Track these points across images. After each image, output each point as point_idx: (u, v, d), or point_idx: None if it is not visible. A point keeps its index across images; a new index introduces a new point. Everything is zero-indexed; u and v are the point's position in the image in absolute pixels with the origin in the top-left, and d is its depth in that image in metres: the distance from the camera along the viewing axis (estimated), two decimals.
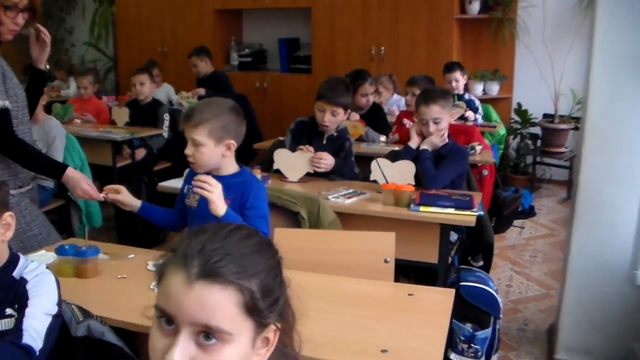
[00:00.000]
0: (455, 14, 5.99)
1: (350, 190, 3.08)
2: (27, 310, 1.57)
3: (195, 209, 2.43)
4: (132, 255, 2.30)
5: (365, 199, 2.99)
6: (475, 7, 6.04)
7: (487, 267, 3.65)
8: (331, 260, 2.28)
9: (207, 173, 2.40)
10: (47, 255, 2.23)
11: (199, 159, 2.30)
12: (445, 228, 2.78)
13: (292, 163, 3.34)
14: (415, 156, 3.20)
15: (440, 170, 3.16)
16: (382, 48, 6.28)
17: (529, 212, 5.35)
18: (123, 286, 2.04)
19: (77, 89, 5.59)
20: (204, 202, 2.39)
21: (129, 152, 4.82)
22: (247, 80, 7.04)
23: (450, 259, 3.11)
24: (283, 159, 3.37)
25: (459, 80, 5.17)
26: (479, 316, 2.80)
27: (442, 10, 5.97)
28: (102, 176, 4.90)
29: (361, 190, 3.08)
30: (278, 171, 3.41)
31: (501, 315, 2.88)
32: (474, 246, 3.69)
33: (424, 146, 3.22)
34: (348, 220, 2.85)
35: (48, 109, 5.49)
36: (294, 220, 2.76)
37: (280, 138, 3.90)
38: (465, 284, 2.82)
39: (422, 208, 2.77)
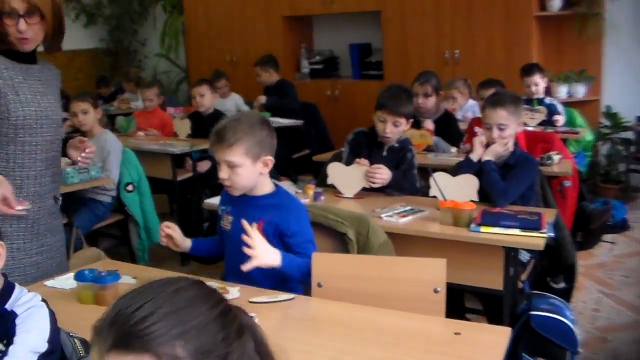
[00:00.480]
0: (534, 11, 5.57)
1: (407, 208, 2.81)
2: (11, 348, 1.44)
3: (229, 232, 2.25)
4: None
5: (422, 218, 2.71)
6: (556, 3, 5.59)
7: (568, 290, 3.27)
8: (373, 289, 2.03)
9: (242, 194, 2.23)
10: (70, 280, 2.10)
11: (236, 182, 2.12)
12: (510, 251, 2.46)
13: (347, 177, 3.11)
14: (478, 169, 2.89)
15: (509, 183, 2.84)
16: (457, 51, 5.94)
17: (622, 226, 4.84)
18: None
19: (142, 101, 5.57)
20: (236, 223, 2.21)
21: (191, 164, 4.74)
22: (318, 88, 6.87)
23: (520, 284, 2.78)
24: (337, 173, 3.14)
25: (538, 83, 4.78)
26: (553, 350, 2.47)
27: (520, 8, 5.57)
28: (163, 189, 4.86)
29: (419, 208, 2.80)
30: (334, 186, 3.19)
31: (580, 350, 2.53)
32: (554, 265, 3.32)
33: (486, 157, 2.91)
34: (402, 241, 2.58)
35: (112, 122, 5.53)
36: (340, 241, 2.52)
37: (343, 149, 3.68)
38: (537, 314, 2.49)
39: (482, 229, 2.46)
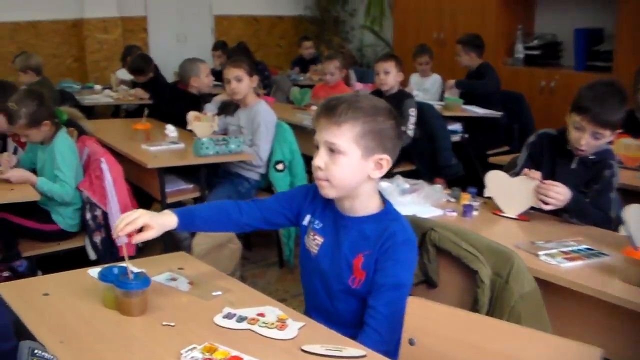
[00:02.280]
0: None
1: (582, 247, 2.04)
2: None
3: (316, 257, 1.72)
4: (219, 293, 1.69)
5: (599, 267, 1.91)
6: None
7: None
8: None
9: (332, 204, 1.69)
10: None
11: (334, 174, 1.58)
12: None
13: (511, 191, 2.39)
14: None
15: None
16: None
17: None
18: (156, 340, 1.44)
19: (323, 74, 5.18)
20: (327, 248, 1.70)
21: None
22: (532, 77, 5.97)
23: None
24: (499, 184, 2.44)
25: None
26: None
27: None
28: None
29: (599, 250, 2.01)
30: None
31: None
32: None
33: None
34: (559, 293, 1.85)
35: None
36: (471, 281, 1.86)
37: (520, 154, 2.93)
38: None
39: None
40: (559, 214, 2.36)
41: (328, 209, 1.70)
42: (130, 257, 1.56)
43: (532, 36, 6.27)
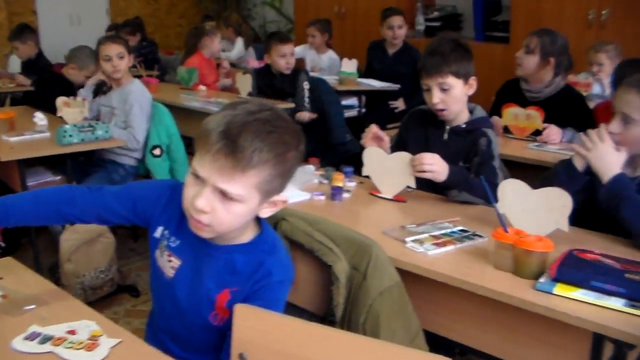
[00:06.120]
0: None
1: (456, 229, 1.83)
2: None
3: (171, 281, 1.40)
4: (32, 307, 1.40)
5: (470, 251, 1.70)
6: None
7: None
8: None
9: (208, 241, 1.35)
10: None
11: (222, 222, 1.26)
12: (602, 338, 1.41)
13: (386, 170, 2.17)
14: (587, 185, 1.88)
15: None
16: (605, 11, 4.66)
17: None
18: None
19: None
20: (185, 275, 1.38)
21: None
22: None
23: None
24: (375, 162, 2.21)
25: None
26: None
27: None
28: None
29: (475, 232, 1.81)
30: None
31: None
32: None
33: (615, 167, 1.86)
34: (430, 285, 1.63)
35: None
36: (327, 276, 1.62)
37: None
38: None
39: (558, 289, 1.44)
40: (445, 194, 2.15)
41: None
42: None
43: (433, 8, 6.15)
